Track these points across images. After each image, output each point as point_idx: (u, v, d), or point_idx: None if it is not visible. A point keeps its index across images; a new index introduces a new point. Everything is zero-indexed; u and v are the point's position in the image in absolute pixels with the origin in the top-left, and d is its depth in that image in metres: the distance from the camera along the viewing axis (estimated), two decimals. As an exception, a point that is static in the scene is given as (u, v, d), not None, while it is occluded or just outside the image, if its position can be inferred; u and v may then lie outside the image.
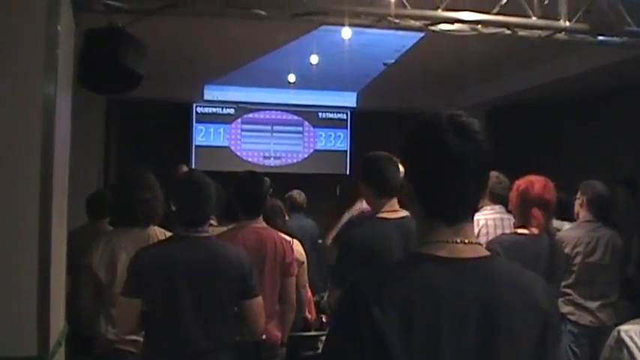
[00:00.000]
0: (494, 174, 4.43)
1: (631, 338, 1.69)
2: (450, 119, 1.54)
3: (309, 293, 5.40)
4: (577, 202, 5.02)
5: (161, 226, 4.00)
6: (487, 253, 1.60)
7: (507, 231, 4.49)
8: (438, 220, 1.57)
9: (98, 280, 3.78)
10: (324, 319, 5.76)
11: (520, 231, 4.10)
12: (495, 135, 1.57)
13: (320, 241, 6.39)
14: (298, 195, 6.76)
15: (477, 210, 1.64)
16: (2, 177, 2.90)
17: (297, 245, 5.16)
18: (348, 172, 12.11)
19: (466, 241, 1.56)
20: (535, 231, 4.03)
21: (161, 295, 3.16)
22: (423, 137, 1.58)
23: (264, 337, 3.94)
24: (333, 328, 1.59)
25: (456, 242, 1.55)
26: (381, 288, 1.48)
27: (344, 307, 1.55)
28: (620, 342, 1.70)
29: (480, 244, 1.60)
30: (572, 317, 4.76)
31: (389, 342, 1.42)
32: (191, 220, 3.28)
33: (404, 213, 3.53)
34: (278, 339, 4.16)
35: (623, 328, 1.72)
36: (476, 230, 3.75)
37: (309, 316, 5.30)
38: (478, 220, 4.67)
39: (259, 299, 3.39)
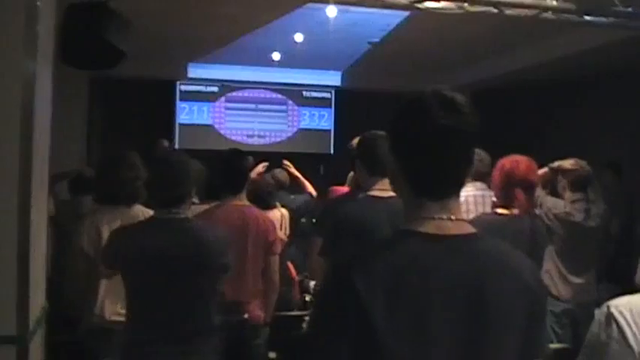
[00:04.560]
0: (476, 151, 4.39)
1: (621, 313, 1.67)
2: (434, 93, 1.54)
3: (294, 272, 5.40)
4: (560, 185, 4.99)
5: (145, 205, 3.97)
6: (473, 230, 1.58)
7: (488, 208, 4.42)
8: (423, 195, 1.56)
9: (89, 259, 3.77)
10: (307, 299, 5.76)
11: (500, 211, 4.00)
12: (481, 116, 1.56)
13: (303, 220, 6.37)
14: (280, 173, 6.72)
15: (462, 185, 1.62)
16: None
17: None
18: (332, 152, 12.08)
19: (452, 217, 1.55)
20: (516, 212, 3.94)
21: (140, 279, 3.12)
22: (408, 112, 1.57)
23: (246, 316, 3.93)
24: (318, 307, 1.57)
25: (442, 219, 1.53)
26: (367, 266, 1.46)
27: (329, 287, 1.54)
28: (609, 317, 1.68)
29: (465, 221, 1.59)
30: (553, 292, 4.74)
31: (374, 321, 1.41)
32: (167, 200, 3.21)
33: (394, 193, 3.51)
34: (261, 319, 4.14)
35: (612, 303, 1.71)
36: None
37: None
38: (459, 197, 4.64)
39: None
